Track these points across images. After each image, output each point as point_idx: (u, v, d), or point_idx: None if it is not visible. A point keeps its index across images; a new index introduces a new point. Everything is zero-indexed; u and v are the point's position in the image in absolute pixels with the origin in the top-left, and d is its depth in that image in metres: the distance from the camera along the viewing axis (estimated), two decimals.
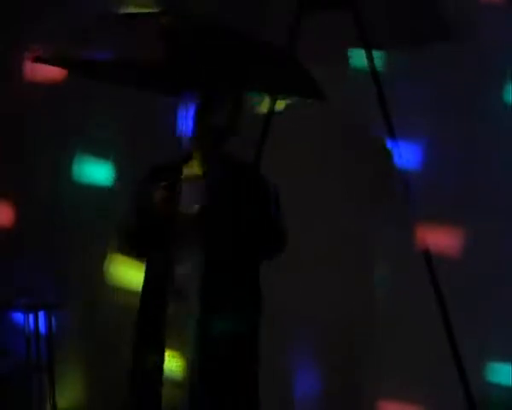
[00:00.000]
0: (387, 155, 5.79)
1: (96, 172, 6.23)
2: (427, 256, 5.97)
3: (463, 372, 5.90)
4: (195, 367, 3.36)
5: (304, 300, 4.57)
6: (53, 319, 6.17)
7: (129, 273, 6.17)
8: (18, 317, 6.14)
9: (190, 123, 3.52)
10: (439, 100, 6.04)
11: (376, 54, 5.86)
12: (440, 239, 6.19)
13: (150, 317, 3.51)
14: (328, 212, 5.98)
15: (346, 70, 5.86)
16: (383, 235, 6.09)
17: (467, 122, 6.03)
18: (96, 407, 6.15)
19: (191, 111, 3.51)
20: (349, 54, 5.88)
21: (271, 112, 5.41)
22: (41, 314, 6.14)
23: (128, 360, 6.03)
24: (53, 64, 3.77)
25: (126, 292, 6.16)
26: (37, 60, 3.62)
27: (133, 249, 3.60)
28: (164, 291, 3.45)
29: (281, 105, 5.27)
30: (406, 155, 5.99)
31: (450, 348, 5.92)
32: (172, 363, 3.42)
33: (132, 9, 3.54)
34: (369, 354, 6.13)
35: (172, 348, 3.42)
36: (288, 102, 4.24)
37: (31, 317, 6.10)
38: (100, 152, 6.22)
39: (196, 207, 3.44)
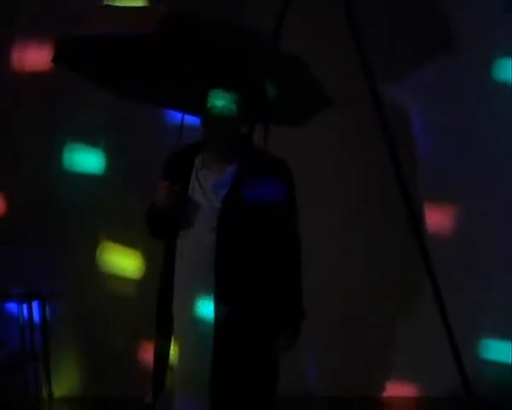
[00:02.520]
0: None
1: (87, 160, 6.21)
2: (420, 235, 5.99)
3: (456, 350, 5.93)
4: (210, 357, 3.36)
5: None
6: (47, 309, 6.17)
7: (121, 261, 6.17)
8: (12, 307, 6.14)
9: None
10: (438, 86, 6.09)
11: None
12: (434, 218, 6.22)
13: (161, 301, 3.51)
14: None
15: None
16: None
17: (464, 105, 6.07)
18: (92, 394, 6.16)
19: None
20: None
21: None
22: (35, 304, 6.14)
23: (121, 347, 6.11)
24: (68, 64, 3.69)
25: (119, 280, 6.18)
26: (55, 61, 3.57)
27: (152, 233, 3.59)
28: (171, 279, 3.45)
29: None
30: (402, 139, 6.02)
31: (444, 326, 5.95)
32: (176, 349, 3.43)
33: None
34: (366, 333, 6.17)
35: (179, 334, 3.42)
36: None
37: (25, 307, 6.10)
38: (90, 140, 6.20)
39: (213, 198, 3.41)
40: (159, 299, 3.51)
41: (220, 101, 3.43)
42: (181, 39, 3.35)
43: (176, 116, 4.03)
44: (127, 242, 6.13)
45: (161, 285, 3.51)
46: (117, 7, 3.68)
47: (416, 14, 6.13)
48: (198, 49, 3.40)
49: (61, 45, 3.53)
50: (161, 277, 3.52)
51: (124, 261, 6.17)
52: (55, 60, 3.57)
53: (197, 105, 3.50)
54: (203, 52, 3.41)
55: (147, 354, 5.89)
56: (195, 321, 3.39)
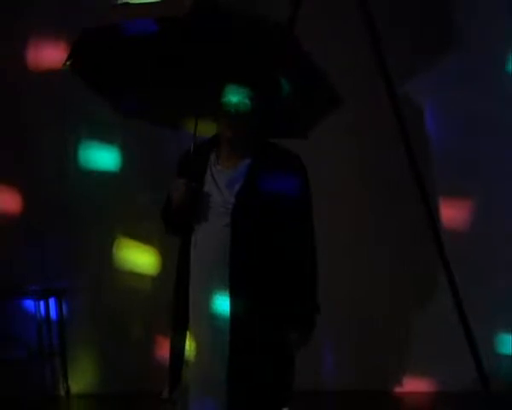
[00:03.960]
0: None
1: (102, 157, 6.23)
2: (436, 229, 5.97)
3: (474, 344, 5.92)
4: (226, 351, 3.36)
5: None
6: (63, 305, 6.20)
7: (137, 258, 6.19)
8: (29, 304, 6.17)
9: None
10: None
11: None
12: (450, 213, 6.20)
13: (177, 297, 3.51)
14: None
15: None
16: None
17: (472, 91, 6.05)
18: (108, 390, 6.18)
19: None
20: None
21: None
22: (52, 301, 6.17)
23: (137, 343, 6.12)
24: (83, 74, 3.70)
25: (135, 276, 6.19)
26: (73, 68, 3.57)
27: (168, 230, 3.60)
28: (187, 274, 3.45)
29: None
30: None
31: (460, 321, 5.93)
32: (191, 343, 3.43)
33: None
34: (382, 328, 6.16)
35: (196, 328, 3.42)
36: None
37: (42, 304, 6.13)
38: (106, 137, 6.22)
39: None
40: (175, 294, 3.52)
41: (235, 96, 3.42)
42: (212, 25, 3.34)
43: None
44: (143, 238, 6.15)
45: (177, 281, 3.51)
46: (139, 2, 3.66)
47: (430, 10, 6.12)
48: (216, 43, 3.39)
49: (76, 51, 3.53)
50: (177, 272, 3.52)
51: (140, 258, 6.18)
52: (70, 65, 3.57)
53: (211, 106, 3.49)
54: (221, 46, 3.40)
55: (163, 349, 5.90)
56: (211, 317, 3.39)
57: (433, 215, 5.98)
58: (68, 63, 3.56)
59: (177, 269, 3.52)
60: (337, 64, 3.59)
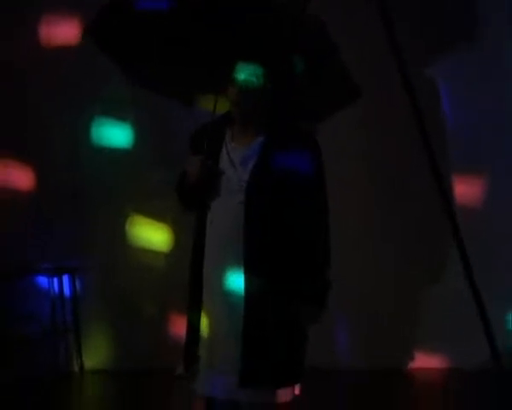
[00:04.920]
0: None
1: (115, 134, 6.23)
2: (450, 209, 5.97)
3: (487, 322, 5.92)
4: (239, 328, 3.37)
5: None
6: (77, 282, 6.22)
7: (150, 234, 6.20)
8: (42, 281, 6.19)
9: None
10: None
11: None
12: (464, 191, 6.20)
13: (193, 274, 3.52)
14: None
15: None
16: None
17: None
18: (122, 367, 6.21)
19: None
20: None
21: None
22: (65, 278, 6.19)
23: (151, 320, 6.14)
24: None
25: (148, 253, 6.21)
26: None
27: (182, 206, 3.60)
28: (202, 251, 3.46)
29: None
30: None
31: (474, 299, 5.93)
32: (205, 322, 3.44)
33: None
34: (396, 306, 6.18)
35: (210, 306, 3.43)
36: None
37: (55, 281, 6.15)
38: (118, 114, 6.21)
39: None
40: (191, 271, 3.52)
41: (246, 73, 3.41)
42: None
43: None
44: (156, 215, 6.16)
45: (193, 258, 3.52)
46: None
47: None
48: (230, 19, 3.38)
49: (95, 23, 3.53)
50: (193, 249, 3.52)
51: (152, 235, 6.19)
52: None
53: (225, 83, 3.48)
54: (233, 25, 3.39)
55: (176, 326, 5.93)
56: (225, 293, 3.39)
57: (448, 197, 5.98)
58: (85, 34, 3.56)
59: (192, 246, 3.52)
60: (346, 57, 3.58)
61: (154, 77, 3.73)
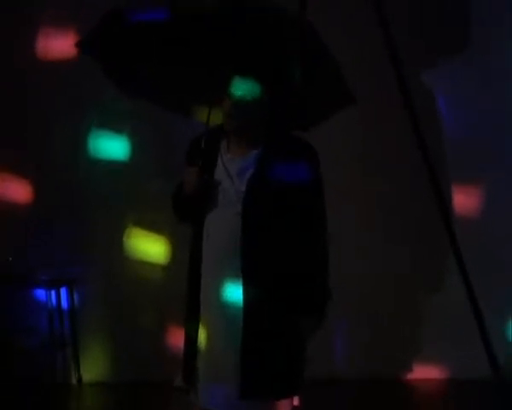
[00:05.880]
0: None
1: (112, 146, 6.23)
2: (447, 219, 5.97)
3: (485, 332, 5.92)
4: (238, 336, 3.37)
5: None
6: (75, 294, 6.21)
7: (148, 247, 6.19)
8: (40, 293, 6.18)
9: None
10: None
11: None
12: (461, 200, 6.20)
13: (190, 286, 3.51)
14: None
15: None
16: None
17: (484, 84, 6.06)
18: (120, 379, 6.20)
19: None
20: None
21: None
22: (63, 290, 6.18)
23: (149, 332, 6.14)
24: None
25: (146, 265, 6.20)
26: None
27: (178, 217, 3.60)
28: (199, 263, 3.45)
29: None
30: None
31: (472, 309, 5.93)
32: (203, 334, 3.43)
33: None
34: (394, 316, 6.17)
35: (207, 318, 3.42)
36: None
37: (53, 293, 6.14)
38: (115, 127, 6.21)
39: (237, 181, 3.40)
40: (188, 283, 3.52)
41: (242, 87, 3.41)
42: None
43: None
44: (154, 227, 6.16)
45: (190, 269, 3.51)
46: None
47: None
48: (226, 30, 3.38)
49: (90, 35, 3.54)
50: (190, 261, 3.52)
51: (150, 247, 6.19)
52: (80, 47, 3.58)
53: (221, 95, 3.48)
54: (230, 34, 3.39)
55: (175, 338, 5.92)
56: (223, 305, 3.39)
57: (445, 204, 5.97)
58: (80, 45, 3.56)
59: (189, 258, 3.52)
60: (343, 59, 3.58)
61: (150, 87, 3.72)
